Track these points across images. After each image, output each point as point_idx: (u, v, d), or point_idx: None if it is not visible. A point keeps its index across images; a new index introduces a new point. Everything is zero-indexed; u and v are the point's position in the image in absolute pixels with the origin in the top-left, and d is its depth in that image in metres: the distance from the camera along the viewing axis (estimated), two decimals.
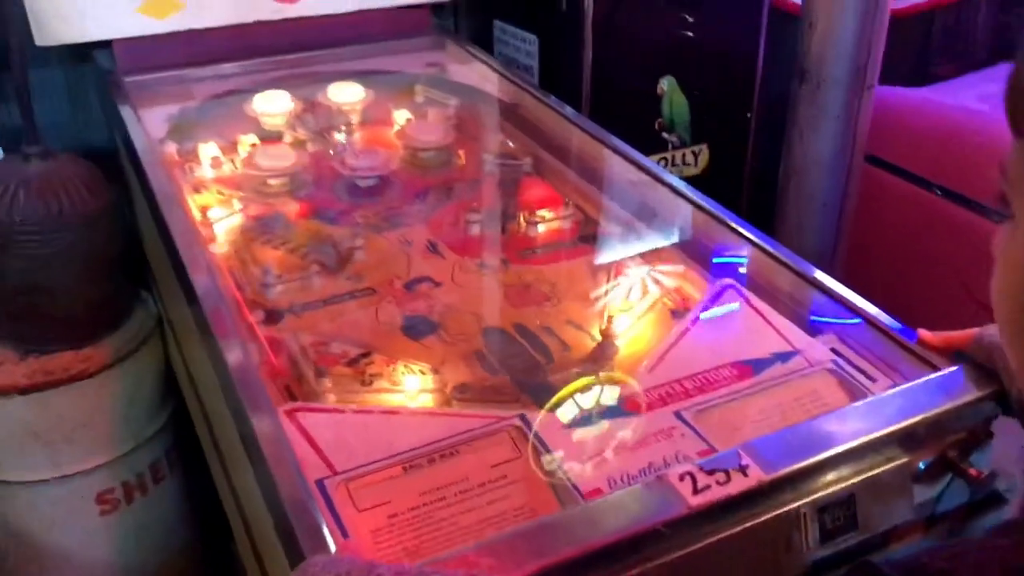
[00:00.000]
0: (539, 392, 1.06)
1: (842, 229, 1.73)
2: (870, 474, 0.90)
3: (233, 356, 1.00)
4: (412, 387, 1.06)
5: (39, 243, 1.62)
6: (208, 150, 1.59)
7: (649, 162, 1.49)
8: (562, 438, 0.95)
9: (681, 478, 0.83)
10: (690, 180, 1.49)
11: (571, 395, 1.00)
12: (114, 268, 1.76)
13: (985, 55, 3.29)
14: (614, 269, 1.32)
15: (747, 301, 1.18)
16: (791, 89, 1.68)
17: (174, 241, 1.22)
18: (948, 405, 0.93)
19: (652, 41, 2.14)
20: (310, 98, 1.79)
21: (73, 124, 2.03)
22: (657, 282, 1.29)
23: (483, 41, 2.24)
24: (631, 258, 1.35)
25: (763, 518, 0.84)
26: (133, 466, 1.79)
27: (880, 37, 1.58)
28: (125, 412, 1.75)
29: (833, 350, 1.10)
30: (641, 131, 2.16)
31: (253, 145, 1.59)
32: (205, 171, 1.57)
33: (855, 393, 1.03)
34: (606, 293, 1.27)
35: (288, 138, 1.68)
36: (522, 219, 1.43)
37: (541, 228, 1.43)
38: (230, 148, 1.63)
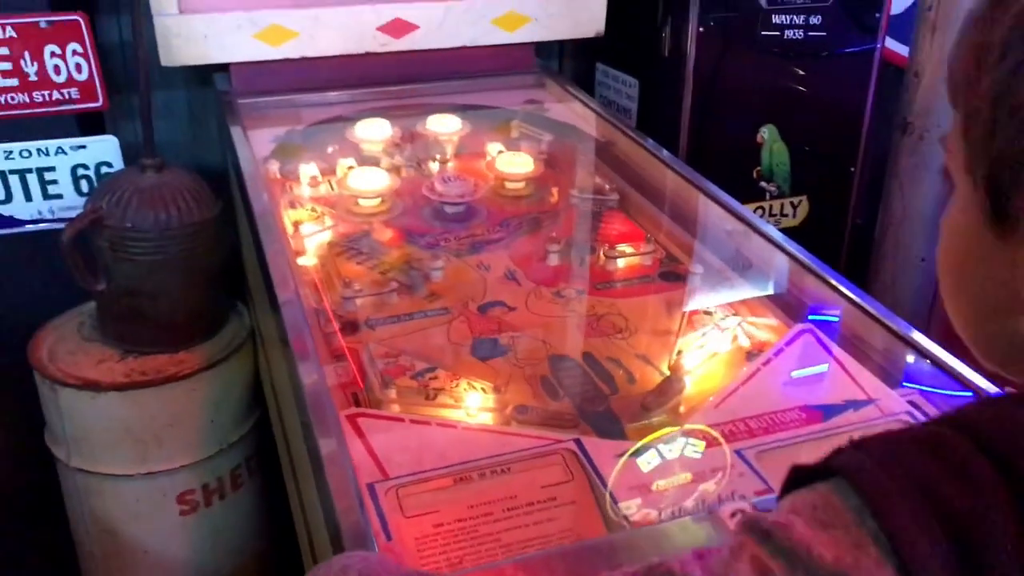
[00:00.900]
0: (599, 421, 1.05)
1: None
2: None
3: (304, 363, 1.03)
4: (473, 404, 1.06)
5: (147, 249, 1.71)
6: (308, 170, 1.65)
7: (741, 207, 1.47)
8: (616, 466, 0.94)
9: (733, 515, 0.81)
10: (787, 231, 1.45)
11: (654, 443, 0.98)
12: (214, 278, 1.85)
13: None
14: (692, 310, 1.30)
15: (825, 347, 1.14)
16: (893, 140, 1.63)
17: (265, 254, 1.28)
18: None
19: (754, 89, 2.12)
20: (409, 128, 1.86)
21: (191, 142, 2.16)
22: (742, 329, 1.26)
23: (585, 83, 2.28)
24: (712, 300, 1.33)
25: None
26: (215, 470, 1.86)
27: None
28: (212, 416, 1.82)
29: (911, 403, 1.05)
30: (739, 179, 2.13)
31: (350, 168, 1.65)
32: (303, 190, 1.64)
33: None
34: (680, 331, 1.25)
35: (384, 164, 1.73)
36: (602, 252, 1.44)
37: (620, 262, 1.42)
38: (329, 170, 1.70)
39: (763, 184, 2.21)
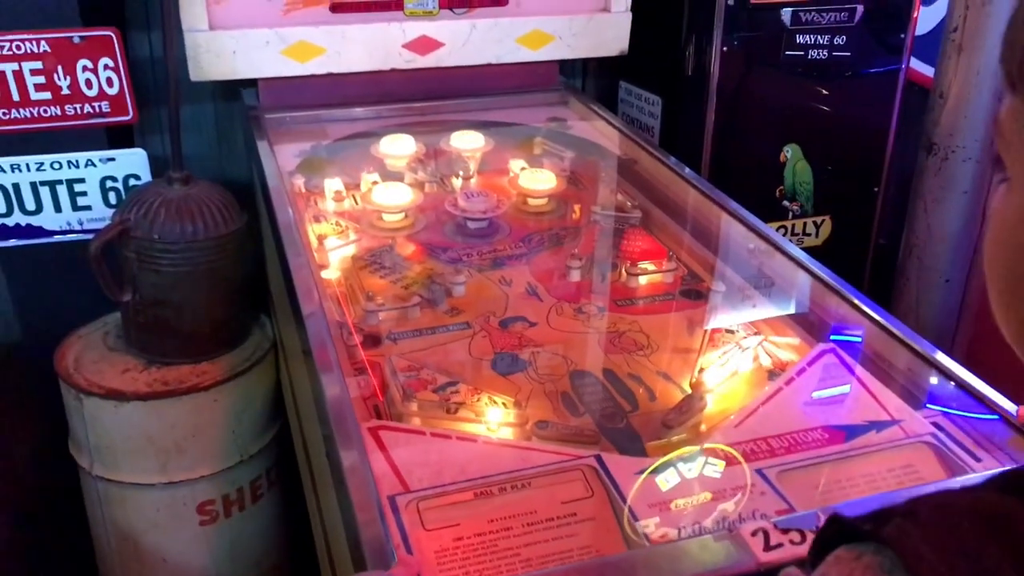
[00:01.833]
0: (620, 438, 1.05)
1: (965, 308, 1.64)
2: None
3: (327, 375, 1.04)
4: (493, 418, 1.07)
5: (173, 261, 1.74)
6: (332, 184, 1.67)
7: (764, 226, 1.47)
8: (636, 483, 0.93)
9: (754, 533, 0.81)
10: (810, 251, 1.45)
11: (673, 462, 0.98)
12: (238, 290, 1.86)
13: None
14: (714, 328, 1.30)
15: (848, 367, 1.13)
16: (917, 160, 1.63)
17: (290, 267, 1.29)
18: None
19: (778, 108, 2.12)
20: (433, 144, 1.87)
21: (217, 156, 2.19)
22: (763, 348, 1.26)
23: (608, 100, 2.29)
24: (734, 319, 1.32)
25: None
26: (235, 480, 1.87)
27: None
28: (233, 427, 1.83)
29: (935, 424, 1.04)
30: (762, 198, 2.13)
31: (374, 183, 1.66)
32: (327, 204, 1.65)
33: (954, 469, 0.97)
34: (701, 349, 1.25)
35: (408, 179, 1.75)
36: (623, 269, 1.44)
37: (642, 280, 1.42)
38: (353, 185, 1.71)
39: (786, 203, 2.20)
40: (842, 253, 2.21)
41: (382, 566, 0.79)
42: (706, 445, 0.99)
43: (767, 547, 0.80)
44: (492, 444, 1.01)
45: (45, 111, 1.80)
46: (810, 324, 1.32)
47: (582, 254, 1.48)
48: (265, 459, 1.93)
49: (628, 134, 1.90)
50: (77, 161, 1.88)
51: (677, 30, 2.06)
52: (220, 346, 1.87)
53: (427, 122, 1.96)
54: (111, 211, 1.89)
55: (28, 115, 1.79)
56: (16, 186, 1.85)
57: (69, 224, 1.92)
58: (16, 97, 1.77)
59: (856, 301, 1.25)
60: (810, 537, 0.81)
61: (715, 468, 1.00)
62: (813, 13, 2.03)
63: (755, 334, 1.28)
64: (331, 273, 1.43)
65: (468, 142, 1.84)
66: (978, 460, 0.99)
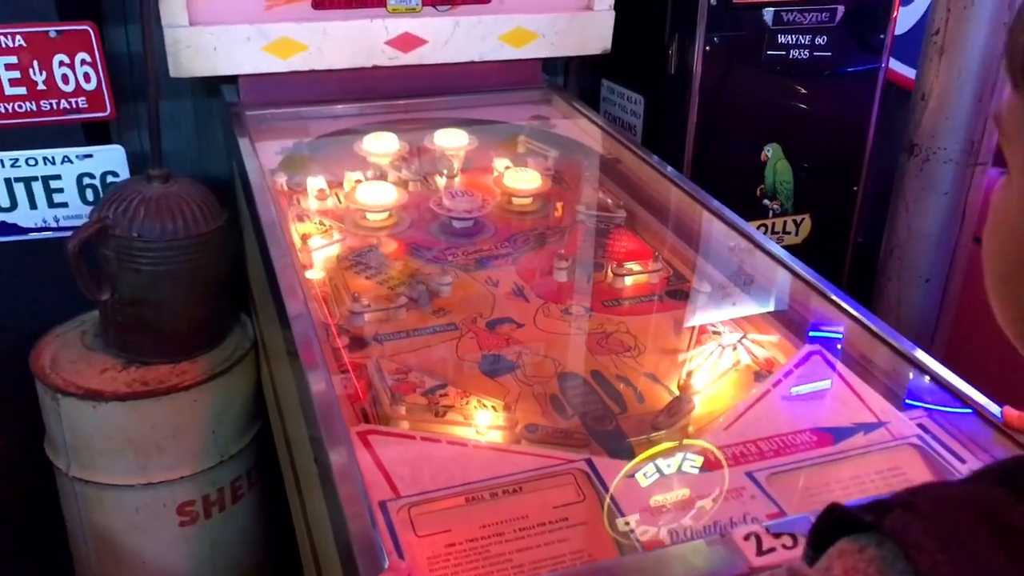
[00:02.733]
0: (609, 440, 1.05)
1: (945, 307, 1.66)
2: None
3: (314, 377, 1.03)
4: (483, 422, 1.06)
5: (152, 259, 1.71)
6: (315, 183, 1.66)
7: (747, 226, 1.48)
8: (627, 486, 0.94)
9: (746, 538, 0.81)
10: (790, 249, 1.47)
11: (652, 458, 0.98)
12: (219, 289, 1.84)
13: None
14: (699, 327, 1.30)
15: (834, 368, 1.14)
16: (898, 162, 1.64)
17: (273, 266, 1.28)
18: None
19: (759, 107, 2.13)
20: (416, 142, 1.86)
21: (197, 152, 2.16)
22: (744, 346, 1.26)
23: (590, 99, 2.29)
24: (719, 318, 1.33)
25: None
26: (215, 481, 1.85)
27: None
28: (213, 427, 1.82)
29: (921, 426, 1.05)
30: (743, 197, 2.14)
31: (357, 181, 1.65)
32: (310, 202, 1.64)
33: (941, 472, 0.98)
34: (688, 350, 1.25)
35: (392, 178, 1.73)
36: (609, 270, 1.44)
37: (628, 280, 1.42)
38: (336, 183, 1.70)
39: (766, 202, 2.21)
40: (822, 251, 2.23)
41: (374, 573, 0.79)
42: (685, 441, 1.00)
43: (760, 551, 0.80)
44: (483, 448, 1.01)
45: (20, 106, 1.77)
46: (794, 323, 1.32)
47: (568, 254, 1.47)
48: (246, 459, 1.91)
49: (611, 133, 1.90)
50: (53, 157, 1.84)
51: (660, 29, 2.06)
52: (200, 345, 1.85)
53: (410, 120, 1.95)
54: (88, 208, 1.86)
55: (3, 110, 1.76)
56: None
57: (45, 221, 1.89)
58: None
59: (840, 302, 1.25)
60: (802, 541, 0.82)
61: (693, 464, 1.01)
62: (795, 13, 2.04)
63: (741, 336, 1.29)
64: (315, 273, 1.41)
65: (452, 140, 1.83)
66: (963, 462, 1.00)
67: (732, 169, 2.15)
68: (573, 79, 2.43)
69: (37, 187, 1.85)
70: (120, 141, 1.97)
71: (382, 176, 1.73)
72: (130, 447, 1.75)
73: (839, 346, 1.23)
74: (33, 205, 1.87)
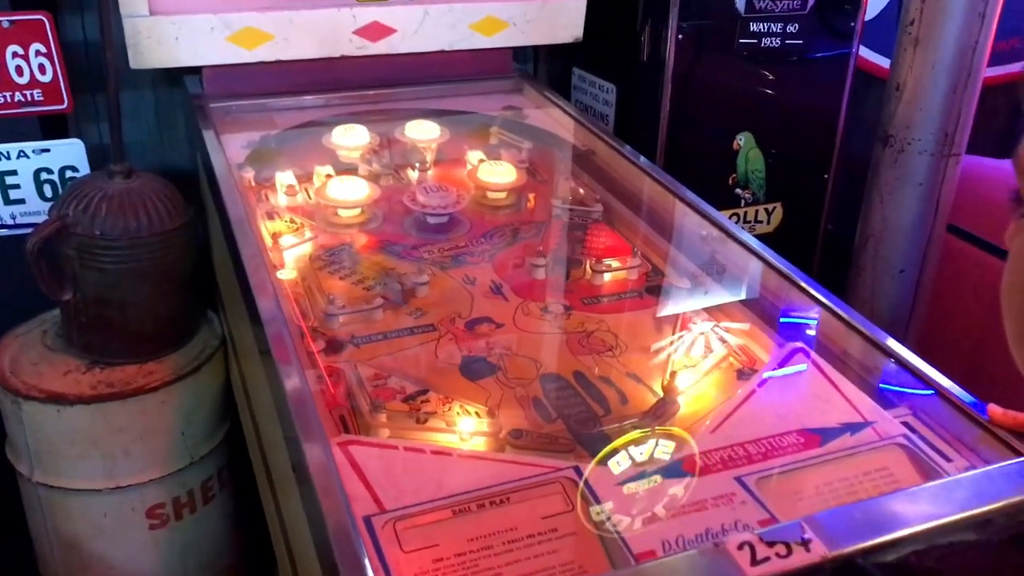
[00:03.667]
0: (594, 443, 1.04)
1: (919, 298, 1.67)
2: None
3: (291, 383, 1.00)
4: (466, 428, 1.04)
5: (116, 258, 1.66)
6: (284, 178, 1.61)
7: (722, 218, 1.47)
8: (617, 494, 0.92)
9: (740, 547, 0.80)
10: (761, 238, 1.46)
11: (624, 447, 0.97)
12: (185, 287, 1.80)
13: None
14: (680, 324, 1.29)
15: (817, 366, 1.14)
16: (873, 152, 1.64)
17: (244, 265, 1.24)
18: None
19: (731, 96, 2.12)
20: (387, 134, 1.82)
21: (158, 144, 2.10)
22: (723, 340, 1.25)
23: (560, 87, 2.26)
24: (698, 313, 1.32)
25: None
26: (185, 483, 1.81)
27: (971, 104, 1.53)
28: (183, 428, 1.77)
29: (905, 424, 1.05)
30: (715, 186, 2.13)
31: (328, 176, 1.61)
32: (279, 199, 1.59)
33: (927, 471, 0.98)
34: (670, 347, 1.24)
35: (363, 171, 1.70)
36: (588, 266, 1.42)
37: (607, 277, 1.41)
38: (305, 178, 1.66)
39: (738, 191, 2.21)
40: (793, 240, 2.23)
41: None
42: (657, 429, 0.99)
43: (754, 562, 0.79)
44: (468, 457, 0.98)
45: None
46: (767, 313, 1.32)
47: (546, 251, 1.45)
48: (216, 459, 1.87)
49: (585, 123, 1.87)
50: (8, 152, 1.78)
51: (632, 17, 2.04)
52: (167, 345, 1.80)
53: (379, 111, 1.91)
54: (47, 205, 1.81)
55: None
56: None
57: (1, 219, 1.82)
58: None
59: (815, 293, 1.26)
60: (797, 550, 0.81)
61: (665, 450, 1.00)
62: (767, 1, 2.02)
63: (713, 325, 1.28)
64: (287, 274, 1.37)
65: (423, 132, 1.79)
66: (949, 460, 1.00)
67: (704, 158, 2.14)
68: (543, 67, 2.40)
69: None
70: (78, 134, 1.90)
71: (352, 170, 1.69)
72: (96, 451, 1.71)
73: (808, 331, 1.23)
74: None
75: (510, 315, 1.31)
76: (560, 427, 1.07)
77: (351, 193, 1.53)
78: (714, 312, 1.34)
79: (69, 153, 1.81)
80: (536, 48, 2.31)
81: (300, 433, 0.93)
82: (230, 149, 1.64)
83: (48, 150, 1.79)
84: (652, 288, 1.41)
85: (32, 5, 1.71)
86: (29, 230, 1.65)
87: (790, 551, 0.80)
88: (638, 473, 0.94)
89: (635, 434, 0.99)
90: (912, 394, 1.09)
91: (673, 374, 1.13)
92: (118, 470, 1.73)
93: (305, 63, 1.85)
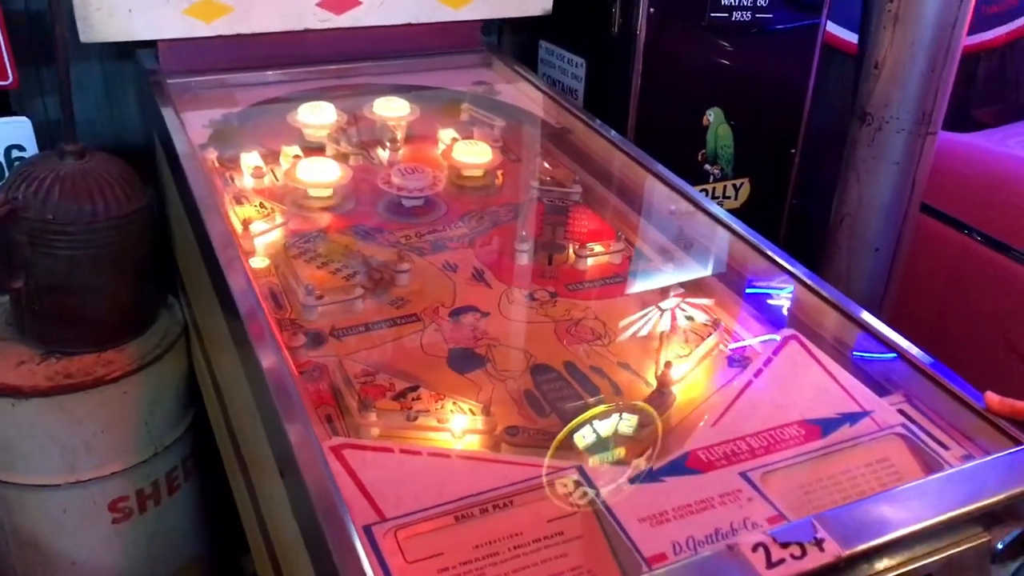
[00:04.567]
0: None
1: (893, 277, 1.67)
2: (949, 553, 0.85)
3: (276, 384, 0.95)
4: (460, 426, 1.01)
5: (71, 243, 1.58)
6: (250, 159, 1.54)
7: (707, 201, 1.44)
8: (622, 495, 0.90)
9: (754, 549, 0.78)
10: (729, 213, 1.46)
11: (589, 421, 0.95)
12: (144, 272, 1.72)
13: None
14: (669, 311, 1.26)
15: (810, 353, 1.13)
16: (850, 130, 1.63)
17: (216, 255, 1.18)
18: None
19: (702, 71, 2.09)
20: (354, 111, 1.75)
21: (108, 121, 2.00)
22: (715, 324, 1.24)
23: (527, 61, 2.20)
24: (684, 297, 1.30)
25: None
26: (150, 474, 1.75)
27: (948, 82, 1.53)
28: (146, 419, 1.71)
29: (901, 411, 1.05)
30: (684, 162, 2.11)
31: (296, 157, 1.55)
32: (246, 181, 1.53)
33: (927, 461, 0.98)
34: (660, 335, 1.22)
35: (330, 151, 1.63)
36: (571, 251, 1.39)
37: (591, 261, 1.38)
38: (271, 158, 1.59)
39: (707, 167, 2.19)
40: (759, 215, 2.23)
41: None
42: (632, 403, 1.02)
43: (769, 564, 0.77)
44: (467, 459, 0.95)
45: None
46: (759, 301, 1.31)
47: (528, 235, 1.41)
48: (181, 449, 1.81)
49: (558, 99, 1.83)
50: None
51: None
52: (127, 332, 1.73)
53: (345, 86, 1.84)
54: None
55: None
56: None
57: None
58: None
59: (801, 274, 1.25)
60: (811, 551, 0.80)
61: (629, 424, 0.98)
62: None
63: (707, 310, 1.27)
64: (260, 262, 1.32)
65: (392, 110, 1.73)
66: (946, 448, 1.00)
67: (674, 134, 2.11)
68: (507, 39, 2.34)
69: None
70: (20, 110, 1.80)
71: (320, 150, 1.63)
72: (55, 445, 1.63)
73: (769, 301, 1.23)
74: None
75: (495, 303, 1.27)
76: (555, 422, 1.04)
77: (322, 175, 1.47)
78: (701, 296, 1.33)
79: (15, 132, 1.71)
80: (501, 21, 2.25)
81: (291, 438, 0.89)
82: (191, 128, 1.56)
83: None
84: (637, 272, 1.39)
85: None
86: None
87: (804, 552, 0.79)
88: (645, 474, 0.92)
89: (599, 409, 0.97)
90: (906, 381, 1.09)
91: (668, 364, 1.11)
92: (78, 464, 1.66)
93: (266, 37, 1.77)
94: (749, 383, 1.06)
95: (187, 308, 1.78)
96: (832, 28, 2.63)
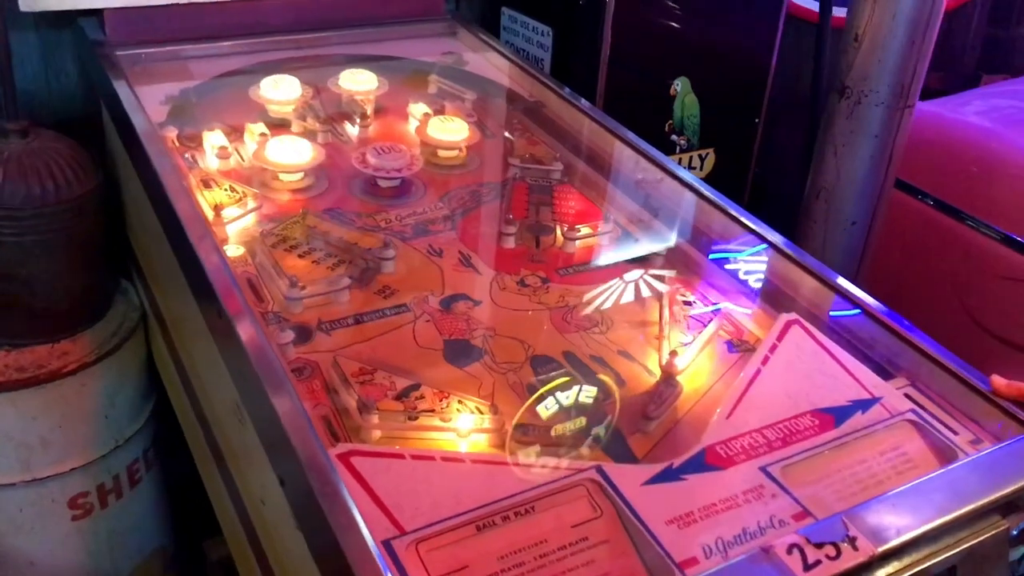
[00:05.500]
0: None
1: (868, 250, 1.68)
2: (971, 543, 0.85)
3: (280, 399, 0.89)
4: (467, 426, 0.97)
5: (19, 229, 1.48)
6: (214, 139, 1.46)
7: (694, 178, 1.42)
8: (645, 495, 0.87)
9: (789, 551, 0.77)
10: None
11: (551, 392, 0.92)
12: (98, 257, 1.63)
13: (973, 67, 3.30)
14: (667, 295, 1.24)
15: (814, 338, 1.11)
16: (828, 104, 1.62)
17: (192, 246, 1.10)
18: None
19: (669, 40, 2.06)
20: (317, 83, 1.67)
21: (46, 95, 1.87)
22: (710, 309, 1.22)
23: (487, 28, 2.13)
24: (678, 282, 1.28)
25: None
26: (110, 468, 1.67)
27: (927, 55, 1.53)
28: (106, 412, 1.63)
29: (907, 396, 1.04)
30: (651, 132, 2.08)
31: (263, 135, 1.46)
32: (209, 161, 1.44)
33: (940, 447, 0.97)
34: (661, 322, 1.19)
35: (296, 127, 1.56)
36: (560, 233, 1.35)
37: (579, 243, 1.34)
38: (235, 135, 1.50)
39: (674, 137, 2.17)
40: (723, 185, 2.21)
41: None
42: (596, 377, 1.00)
43: (806, 566, 0.76)
44: (482, 463, 0.91)
45: None
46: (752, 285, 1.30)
47: (514, 217, 1.37)
48: (142, 440, 1.73)
49: (527, 69, 1.78)
50: None
51: None
52: (81, 321, 1.63)
53: (306, 57, 1.75)
54: None
55: None
56: None
57: None
58: None
59: (793, 254, 1.24)
60: (845, 550, 0.79)
61: (588, 394, 0.96)
62: None
63: (699, 291, 1.25)
64: (234, 251, 1.24)
65: (360, 83, 1.65)
66: (955, 433, 1.00)
67: (642, 105, 2.08)
68: (467, 6, 2.26)
69: None
70: None
71: (285, 126, 1.54)
72: (9, 443, 1.54)
73: (767, 286, 1.22)
74: None
75: (486, 290, 1.23)
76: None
77: (295, 156, 1.39)
78: (691, 277, 1.31)
79: None
80: None
81: (297, 448, 0.83)
82: (147, 104, 1.46)
83: None
84: (625, 252, 1.36)
85: None
86: None
87: (839, 552, 0.78)
88: (665, 472, 0.89)
89: (560, 380, 0.95)
90: (909, 364, 1.08)
91: (673, 353, 1.08)
92: (35, 461, 1.58)
93: (220, 5, 1.67)
94: (758, 372, 1.04)
95: (144, 293, 1.69)
96: None
